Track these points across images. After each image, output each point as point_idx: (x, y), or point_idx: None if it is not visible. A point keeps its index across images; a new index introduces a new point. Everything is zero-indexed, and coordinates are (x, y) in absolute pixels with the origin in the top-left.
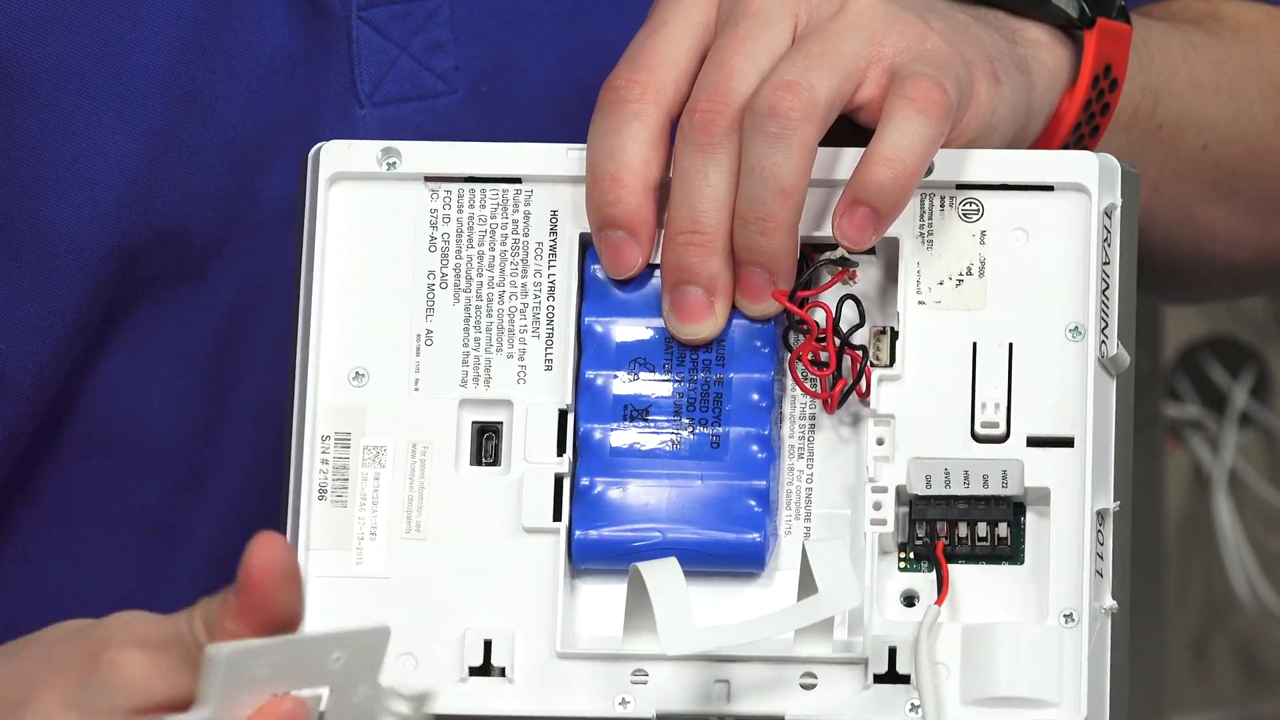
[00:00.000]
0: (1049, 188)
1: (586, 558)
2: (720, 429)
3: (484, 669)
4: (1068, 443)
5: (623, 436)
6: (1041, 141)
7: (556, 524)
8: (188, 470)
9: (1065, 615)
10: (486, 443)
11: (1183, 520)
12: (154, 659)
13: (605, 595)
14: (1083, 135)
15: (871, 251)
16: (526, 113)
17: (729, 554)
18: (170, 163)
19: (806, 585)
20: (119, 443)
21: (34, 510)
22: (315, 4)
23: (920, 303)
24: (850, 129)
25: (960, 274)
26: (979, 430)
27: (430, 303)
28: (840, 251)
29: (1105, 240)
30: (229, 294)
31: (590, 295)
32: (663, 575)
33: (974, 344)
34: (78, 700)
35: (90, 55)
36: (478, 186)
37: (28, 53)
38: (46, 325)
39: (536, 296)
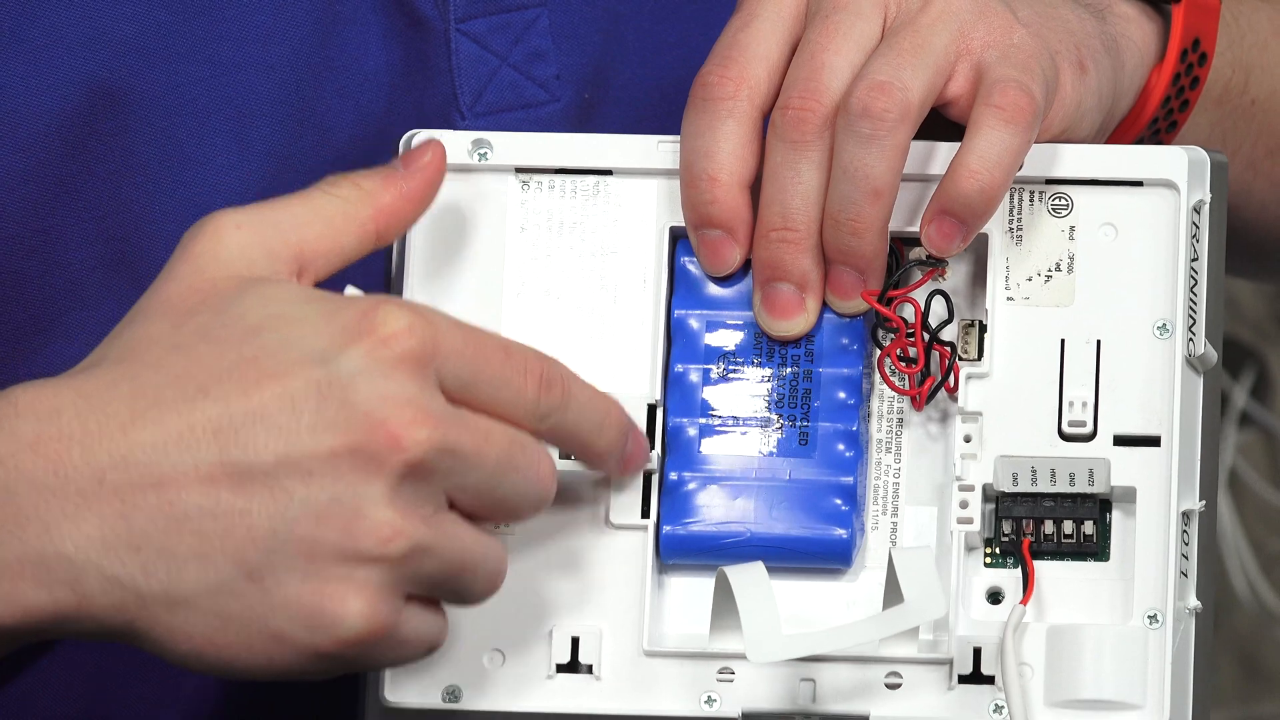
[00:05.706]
0: (1138, 183)
1: (674, 553)
2: (808, 425)
3: (571, 666)
4: (1154, 441)
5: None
6: (1130, 116)
7: (645, 521)
8: None
9: (1150, 616)
10: None
11: None
12: None
13: (690, 590)
14: (1172, 109)
15: None
16: (631, 118)
17: (816, 551)
18: (286, 182)
19: (892, 592)
20: None
21: None
22: (414, 18)
23: (1009, 299)
24: (931, 115)
25: (1049, 270)
26: (1066, 428)
27: (519, 295)
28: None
29: (1194, 236)
30: None
31: (680, 289)
32: (749, 581)
33: (1062, 341)
34: None
35: (199, 80)
36: (568, 178)
37: (137, 81)
38: None
39: (626, 289)
